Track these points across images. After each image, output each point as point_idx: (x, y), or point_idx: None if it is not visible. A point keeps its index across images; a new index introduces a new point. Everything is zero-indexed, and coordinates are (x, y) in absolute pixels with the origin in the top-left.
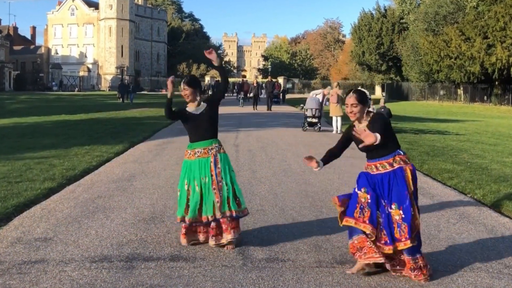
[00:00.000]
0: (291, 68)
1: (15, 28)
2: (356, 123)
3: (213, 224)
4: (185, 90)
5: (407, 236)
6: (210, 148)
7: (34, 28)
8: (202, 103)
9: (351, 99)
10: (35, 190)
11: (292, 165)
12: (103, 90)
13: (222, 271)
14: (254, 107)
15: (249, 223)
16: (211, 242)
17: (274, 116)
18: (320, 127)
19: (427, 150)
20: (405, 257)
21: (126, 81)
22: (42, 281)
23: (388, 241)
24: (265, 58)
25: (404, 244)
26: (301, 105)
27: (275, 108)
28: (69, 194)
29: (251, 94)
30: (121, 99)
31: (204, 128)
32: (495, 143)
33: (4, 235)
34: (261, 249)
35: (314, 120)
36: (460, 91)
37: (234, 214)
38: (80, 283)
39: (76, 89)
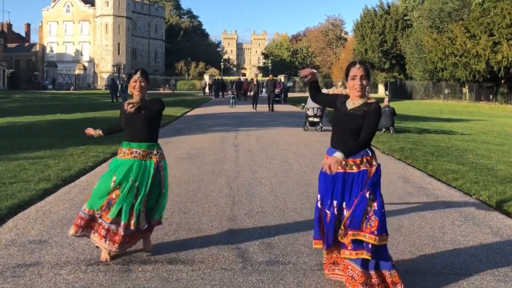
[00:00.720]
0: (292, 66)
1: (9, 25)
2: (352, 99)
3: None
4: (140, 82)
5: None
6: (149, 152)
7: (28, 25)
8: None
9: (360, 69)
10: (30, 191)
11: (293, 165)
12: (100, 89)
13: (221, 274)
14: (254, 107)
15: (249, 225)
16: (114, 248)
17: (274, 116)
18: (321, 127)
19: (431, 150)
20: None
21: (118, 79)
22: (37, 285)
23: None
24: (266, 56)
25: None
26: (302, 104)
27: (276, 108)
28: (65, 196)
29: (251, 93)
30: (111, 99)
31: (141, 129)
32: (501, 143)
33: None
34: (261, 251)
35: (316, 119)
36: (465, 90)
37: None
38: (76, 286)
39: (72, 87)
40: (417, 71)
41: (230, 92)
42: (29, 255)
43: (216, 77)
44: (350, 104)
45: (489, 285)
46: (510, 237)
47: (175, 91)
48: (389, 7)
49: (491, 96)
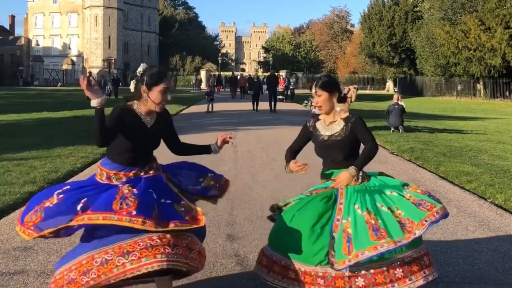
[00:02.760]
0: (295, 61)
1: None
2: (323, 117)
3: None
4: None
5: None
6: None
7: (13, 17)
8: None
9: (315, 88)
10: (14, 194)
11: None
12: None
13: (220, 279)
14: (254, 108)
15: (248, 231)
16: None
17: (276, 114)
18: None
19: (443, 151)
20: None
21: (108, 74)
22: None
23: None
24: (266, 50)
25: None
26: (305, 101)
27: (278, 105)
28: None
29: (251, 92)
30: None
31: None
32: None
33: None
34: None
35: None
36: (480, 86)
37: None
38: None
39: (59, 83)
40: (428, 66)
41: (207, 90)
42: (13, 263)
43: (214, 73)
44: (324, 129)
45: None
46: None
47: (175, 88)
48: None
49: (507, 93)
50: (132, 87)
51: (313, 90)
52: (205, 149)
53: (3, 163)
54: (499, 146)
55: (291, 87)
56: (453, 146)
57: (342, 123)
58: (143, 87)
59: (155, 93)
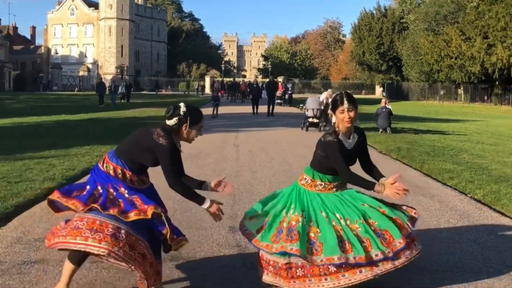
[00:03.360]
0: (291, 68)
1: (15, 28)
2: (344, 131)
3: None
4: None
5: None
6: None
7: (34, 28)
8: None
9: (348, 104)
10: (35, 190)
11: (293, 165)
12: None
13: (222, 271)
14: (254, 111)
15: None
16: None
17: (275, 117)
18: (323, 126)
19: (427, 150)
20: None
21: (121, 81)
22: (42, 281)
23: None
24: (265, 58)
25: None
26: (301, 105)
27: (277, 109)
28: None
29: (250, 97)
30: (99, 101)
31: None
32: (496, 143)
33: (4, 235)
34: None
35: (316, 120)
36: (461, 91)
37: None
38: (80, 283)
39: (76, 89)
40: (414, 72)
41: (213, 95)
42: (34, 253)
43: (217, 79)
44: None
45: (484, 282)
46: (504, 235)
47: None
48: (386, 10)
49: (485, 97)
50: (172, 122)
51: (345, 106)
52: (199, 185)
53: (24, 161)
54: (478, 146)
55: (289, 92)
56: (436, 146)
57: (356, 135)
58: (185, 125)
59: (194, 131)
